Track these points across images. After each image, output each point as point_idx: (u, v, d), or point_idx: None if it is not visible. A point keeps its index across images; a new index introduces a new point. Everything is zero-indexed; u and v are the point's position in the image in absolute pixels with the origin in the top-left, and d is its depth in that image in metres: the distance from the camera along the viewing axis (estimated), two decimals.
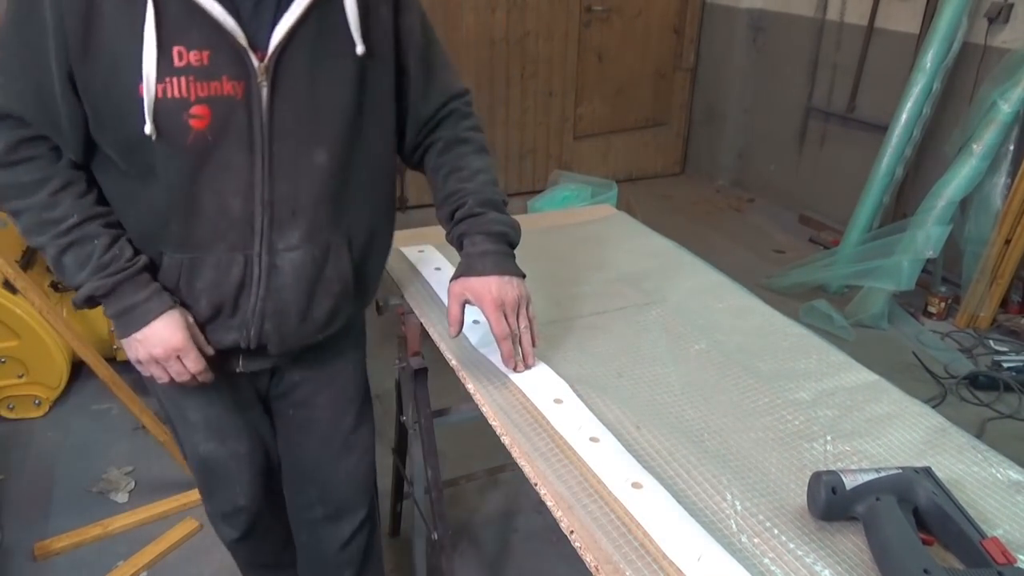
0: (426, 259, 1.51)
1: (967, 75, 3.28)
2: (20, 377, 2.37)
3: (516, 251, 1.20)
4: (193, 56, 0.94)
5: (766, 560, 0.82)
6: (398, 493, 1.96)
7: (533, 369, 1.16)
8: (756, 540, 0.85)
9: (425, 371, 1.50)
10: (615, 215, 1.87)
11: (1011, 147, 3.03)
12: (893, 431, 1.06)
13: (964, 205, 3.12)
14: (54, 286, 2.45)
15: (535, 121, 4.50)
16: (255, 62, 0.97)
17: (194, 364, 1.09)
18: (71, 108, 0.98)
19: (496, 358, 1.16)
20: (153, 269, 1.08)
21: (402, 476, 1.86)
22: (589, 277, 1.50)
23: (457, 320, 1.16)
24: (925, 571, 0.76)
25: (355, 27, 1.02)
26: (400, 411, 1.67)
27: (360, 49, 1.03)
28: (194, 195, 1.02)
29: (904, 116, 3.32)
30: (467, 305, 1.16)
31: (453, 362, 1.18)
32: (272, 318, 1.11)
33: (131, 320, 1.05)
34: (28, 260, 2.48)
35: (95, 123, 0.99)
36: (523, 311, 1.15)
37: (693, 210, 4.50)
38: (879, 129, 3.53)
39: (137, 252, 1.07)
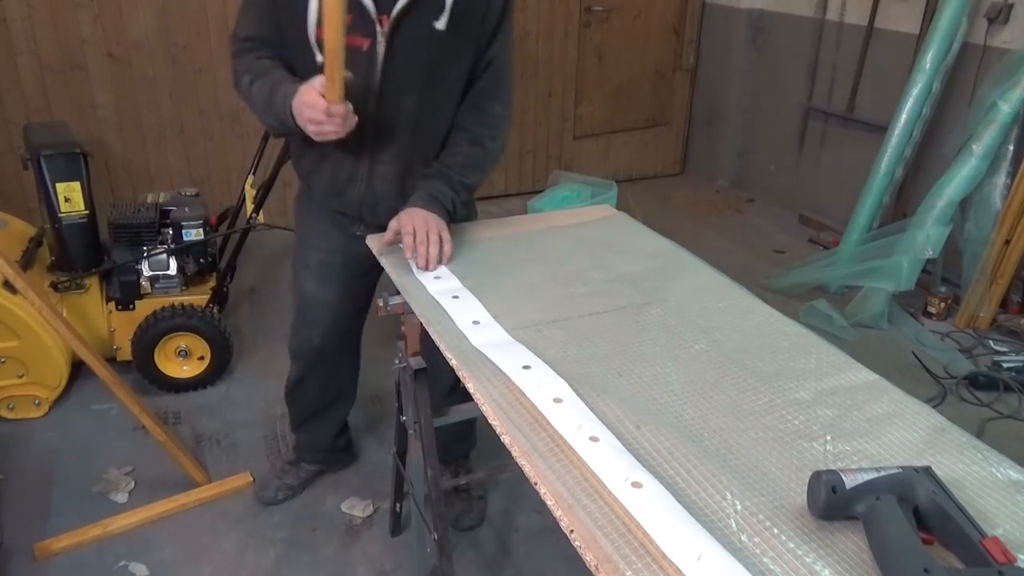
0: None
1: (967, 75, 3.28)
2: (20, 377, 2.37)
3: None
4: None
5: (766, 559, 0.82)
6: (398, 493, 1.96)
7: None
8: (756, 539, 0.85)
9: (425, 371, 1.51)
10: (615, 215, 1.87)
11: (1011, 147, 3.03)
12: (893, 430, 1.06)
13: (964, 205, 3.12)
14: (54, 286, 2.45)
15: (535, 121, 4.50)
16: (378, 26, 1.47)
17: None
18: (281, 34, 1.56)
19: (497, 357, 1.17)
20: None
21: (402, 476, 1.86)
22: (589, 277, 1.50)
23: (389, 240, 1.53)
24: (925, 570, 0.76)
25: (447, 10, 1.47)
26: (400, 411, 1.67)
27: (440, 26, 1.48)
28: None
29: (904, 116, 3.32)
30: (467, 307, 1.19)
31: (453, 362, 1.18)
32: (368, 205, 1.68)
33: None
34: (28, 260, 2.48)
35: (289, 45, 1.55)
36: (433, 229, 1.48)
37: (693, 210, 4.50)
38: (879, 129, 3.53)
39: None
